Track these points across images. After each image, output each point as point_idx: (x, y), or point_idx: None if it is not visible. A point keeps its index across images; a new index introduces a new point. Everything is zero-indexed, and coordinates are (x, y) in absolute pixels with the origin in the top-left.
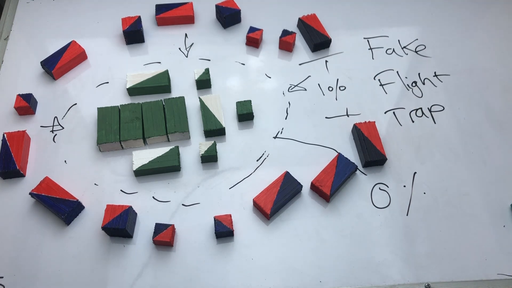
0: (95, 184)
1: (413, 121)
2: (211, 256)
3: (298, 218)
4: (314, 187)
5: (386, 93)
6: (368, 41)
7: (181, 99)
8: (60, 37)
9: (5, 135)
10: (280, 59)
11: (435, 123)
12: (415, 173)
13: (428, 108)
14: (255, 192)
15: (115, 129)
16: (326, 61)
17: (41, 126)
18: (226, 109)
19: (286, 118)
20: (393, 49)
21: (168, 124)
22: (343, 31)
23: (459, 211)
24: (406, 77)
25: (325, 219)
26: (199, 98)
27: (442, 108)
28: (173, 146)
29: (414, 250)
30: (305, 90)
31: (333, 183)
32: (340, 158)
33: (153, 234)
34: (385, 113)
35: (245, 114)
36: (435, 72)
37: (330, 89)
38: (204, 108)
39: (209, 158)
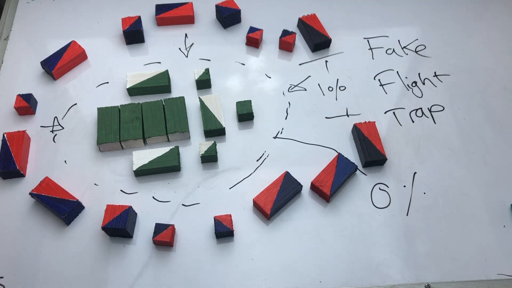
0: (95, 184)
1: (413, 121)
2: (211, 256)
3: (298, 218)
4: (314, 187)
5: (386, 93)
6: (368, 41)
7: (181, 99)
8: (60, 37)
9: (5, 135)
10: (280, 59)
11: (435, 123)
12: (415, 173)
13: (428, 108)
14: (255, 192)
15: (115, 129)
16: (326, 61)
17: (41, 126)
18: (226, 109)
19: (286, 118)
20: (393, 49)
21: (168, 124)
22: (343, 31)
23: (459, 211)
24: (406, 77)
25: (325, 219)
26: (199, 98)
27: (442, 108)
28: (173, 146)
29: (414, 250)
30: (305, 90)
31: (333, 183)
32: (340, 158)
33: (153, 234)
34: (385, 113)
35: (245, 114)
36: (435, 72)
37: (330, 89)
38: (204, 108)
39: (209, 158)
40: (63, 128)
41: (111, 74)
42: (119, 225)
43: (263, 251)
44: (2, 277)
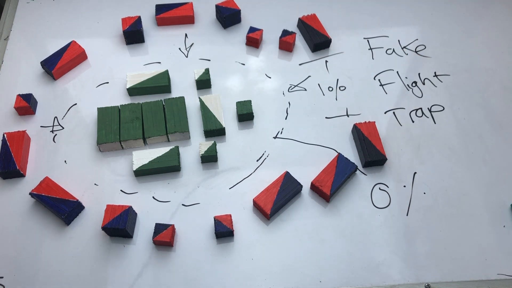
0: (95, 184)
1: (413, 121)
2: (211, 256)
3: (298, 218)
4: (314, 187)
5: (386, 93)
6: (368, 41)
7: (181, 99)
8: (60, 37)
9: (5, 135)
10: (280, 59)
11: (435, 123)
12: (415, 173)
13: (428, 108)
14: (255, 192)
15: (115, 129)
16: (326, 61)
17: (41, 126)
18: (226, 109)
19: (286, 118)
20: (393, 49)
21: (168, 124)
22: (343, 31)
23: (459, 211)
24: (406, 77)
25: (325, 219)
26: (199, 98)
27: (442, 108)
28: (173, 146)
29: (414, 250)
30: (305, 90)
31: (333, 183)
32: (340, 158)
33: (153, 234)
34: (385, 113)
35: (245, 114)
36: (435, 72)
37: (330, 89)
38: (204, 108)
39: (209, 158)
40: (63, 128)
41: (111, 74)
42: (119, 225)
43: (263, 251)
44: (2, 277)
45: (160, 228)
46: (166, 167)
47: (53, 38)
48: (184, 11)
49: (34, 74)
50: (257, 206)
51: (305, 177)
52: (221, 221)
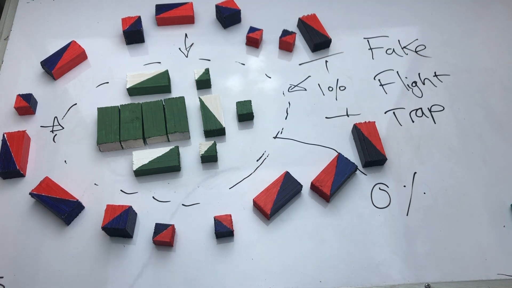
0: (95, 184)
1: (413, 121)
2: (211, 256)
3: (298, 218)
4: (314, 187)
5: (386, 93)
6: (368, 41)
7: (181, 99)
8: (60, 37)
9: (5, 135)
10: (280, 59)
11: (435, 123)
12: (415, 173)
13: (428, 108)
14: (255, 192)
15: (115, 129)
16: (326, 61)
17: (41, 126)
18: (226, 109)
19: (286, 118)
20: (393, 49)
21: (168, 124)
22: (343, 31)
23: (459, 211)
24: (406, 77)
25: (325, 219)
26: (199, 98)
27: (442, 108)
28: (173, 146)
29: (414, 250)
30: (305, 90)
31: (333, 183)
32: (340, 158)
33: (153, 234)
34: (385, 113)
35: (245, 114)
36: (435, 72)
37: (330, 89)
38: (204, 108)
39: (209, 158)
40: (63, 128)
41: (111, 74)
42: (119, 225)
43: (263, 251)
44: (2, 277)
45: (160, 228)
46: (166, 167)
47: (53, 38)
48: (184, 11)
49: (34, 74)
50: (257, 206)
51: (305, 177)
52: (221, 221)
